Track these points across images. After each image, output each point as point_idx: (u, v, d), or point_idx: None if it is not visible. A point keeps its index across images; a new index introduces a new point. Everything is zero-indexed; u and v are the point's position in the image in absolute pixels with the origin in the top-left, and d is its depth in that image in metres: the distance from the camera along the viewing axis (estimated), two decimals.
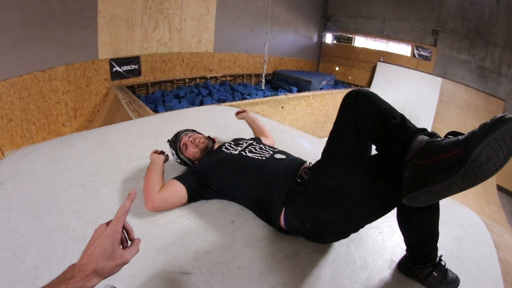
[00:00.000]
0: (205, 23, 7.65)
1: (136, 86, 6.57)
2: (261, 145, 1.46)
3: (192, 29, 7.42)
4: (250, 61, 9.28)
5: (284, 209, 1.14)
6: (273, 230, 1.24)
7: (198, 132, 1.71)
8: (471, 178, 0.73)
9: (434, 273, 1.03)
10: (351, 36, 11.14)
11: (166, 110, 5.49)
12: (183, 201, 1.33)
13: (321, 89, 8.79)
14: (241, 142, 1.51)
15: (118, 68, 6.23)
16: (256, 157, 1.32)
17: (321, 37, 11.80)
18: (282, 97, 6.88)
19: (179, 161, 1.61)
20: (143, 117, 3.28)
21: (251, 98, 6.87)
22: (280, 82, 9.02)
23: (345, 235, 1.15)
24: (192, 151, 1.54)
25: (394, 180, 0.89)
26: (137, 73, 6.63)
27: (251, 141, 1.52)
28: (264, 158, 1.31)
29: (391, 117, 0.93)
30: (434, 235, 1.02)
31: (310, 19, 11.08)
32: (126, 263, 0.63)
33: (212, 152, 1.53)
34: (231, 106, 4.25)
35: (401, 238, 1.13)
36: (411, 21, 9.46)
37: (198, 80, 7.90)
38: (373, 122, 0.96)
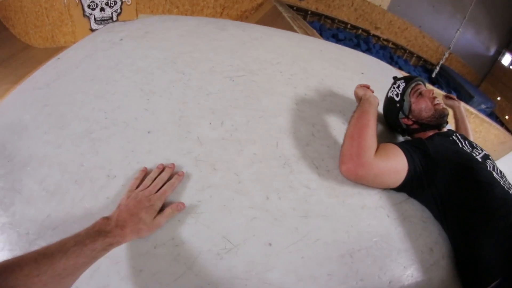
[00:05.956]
0: None
1: (294, 8, 5.98)
2: (495, 164, 0.97)
3: None
4: (418, 39, 7.83)
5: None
6: None
7: None
8: None
9: None
10: None
11: None
12: (393, 185, 0.87)
13: None
14: (474, 144, 1.05)
15: None
16: (501, 182, 0.86)
17: (498, 53, 9.28)
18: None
19: (397, 99, 1.12)
20: (316, 38, 2.63)
21: None
22: (440, 78, 7.43)
23: None
24: (425, 103, 1.09)
25: None
26: None
27: (485, 151, 1.02)
28: (506, 187, 0.85)
29: None
30: None
31: (494, 26, 8.59)
32: (159, 227, 0.66)
33: (442, 135, 1.07)
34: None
35: None
36: None
37: (360, 31, 7.03)
38: None
